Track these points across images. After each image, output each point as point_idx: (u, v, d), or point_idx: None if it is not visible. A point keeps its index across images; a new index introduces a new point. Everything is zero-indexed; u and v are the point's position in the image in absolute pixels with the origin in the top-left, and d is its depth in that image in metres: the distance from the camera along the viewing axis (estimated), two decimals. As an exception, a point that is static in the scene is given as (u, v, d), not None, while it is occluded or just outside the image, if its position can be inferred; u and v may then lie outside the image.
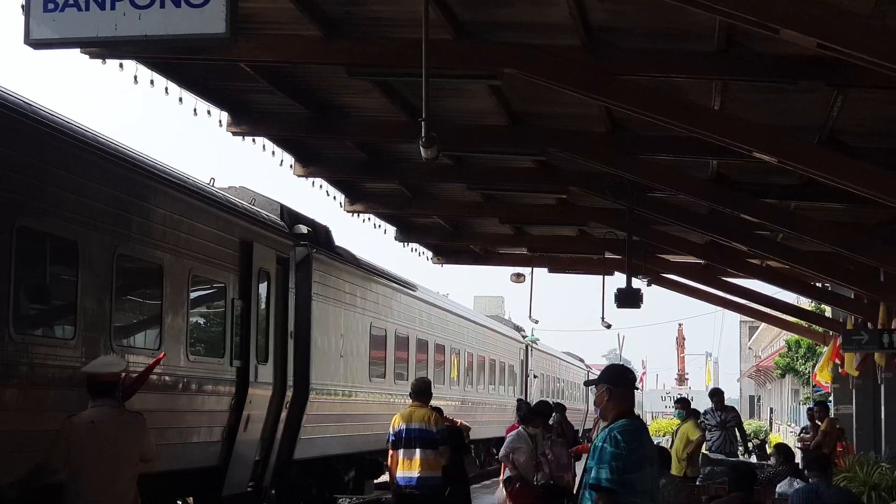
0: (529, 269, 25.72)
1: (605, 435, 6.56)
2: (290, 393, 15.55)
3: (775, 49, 10.07)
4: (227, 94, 13.77)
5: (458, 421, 13.95)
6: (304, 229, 16.75)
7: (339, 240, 18.68)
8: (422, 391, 13.17)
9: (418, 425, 12.83)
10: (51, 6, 6.24)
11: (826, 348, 27.78)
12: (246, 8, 9.58)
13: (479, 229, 22.56)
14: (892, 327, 17.60)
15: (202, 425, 13.00)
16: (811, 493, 8.95)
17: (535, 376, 37.36)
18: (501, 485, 14.79)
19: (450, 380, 26.13)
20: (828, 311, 29.88)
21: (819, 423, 21.06)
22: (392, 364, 21.17)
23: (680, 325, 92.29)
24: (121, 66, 11.67)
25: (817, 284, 23.03)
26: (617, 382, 6.74)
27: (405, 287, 22.51)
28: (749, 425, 40.44)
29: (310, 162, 16.69)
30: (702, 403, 23.62)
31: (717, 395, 20.17)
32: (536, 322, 28.86)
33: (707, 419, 18.96)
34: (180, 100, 13.12)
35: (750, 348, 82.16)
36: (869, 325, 19.97)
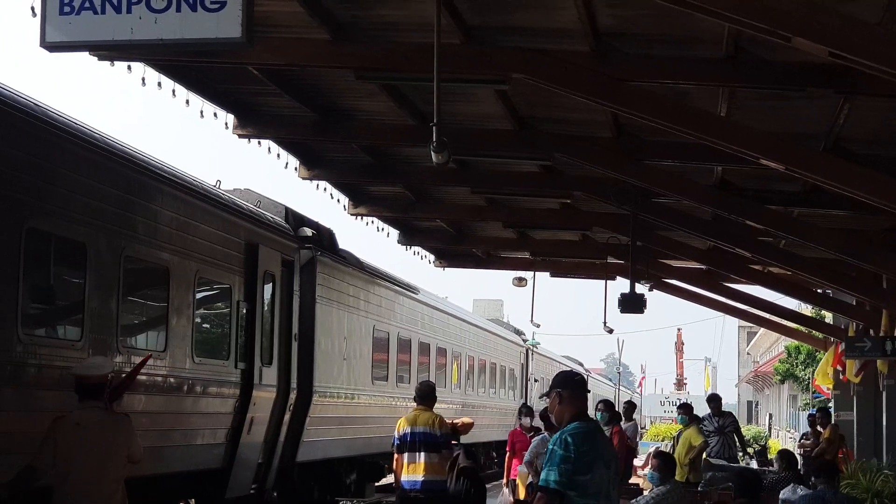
0: (531, 273, 25.72)
1: (556, 437, 6.67)
2: (293, 395, 15.57)
3: (783, 56, 10.10)
4: (235, 97, 13.80)
5: (459, 421, 13.91)
6: (308, 232, 16.78)
7: (339, 241, 18.70)
8: (426, 395, 13.15)
9: (422, 429, 12.82)
10: (66, 9, 6.25)
11: (825, 354, 27.81)
12: (255, 11, 9.58)
13: (482, 233, 22.58)
14: (895, 334, 17.60)
15: (206, 427, 13.02)
16: (818, 500, 8.96)
17: (535, 380, 37.35)
18: (505, 489, 14.79)
19: (451, 383, 26.14)
20: (828, 317, 29.91)
21: (820, 430, 21.07)
22: (394, 367, 21.19)
23: (679, 329, 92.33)
24: (129, 68, 11.68)
25: (819, 291, 23.04)
26: (565, 386, 6.84)
27: (407, 290, 22.54)
28: (748, 431, 40.44)
29: (315, 165, 16.71)
30: (700, 409, 23.62)
31: (714, 400, 20.17)
32: (538, 326, 28.87)
33: (705, 425, 18.97)
34: (187, 102, 13.13)
35: (748, 353, 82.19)
36: (871, 331, 19.98)
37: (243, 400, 13.79)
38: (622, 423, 18.73)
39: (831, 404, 27.95)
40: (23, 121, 9.39)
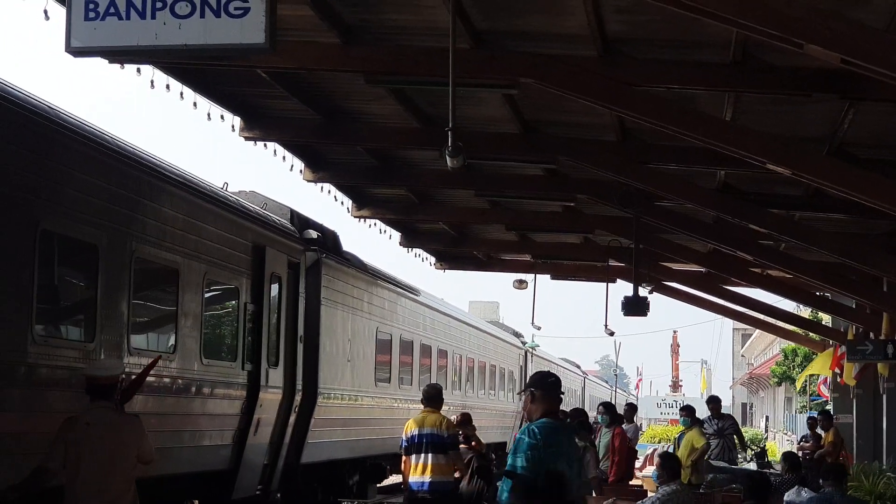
0: (532, 275, 25.80)
1: (524, 428, 7.05)
2: (298, 397, 15.64)
3: (790, 61, 10.19)
4: (241, 100, 13.88)
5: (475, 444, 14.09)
6: (313, 234, 16.86)
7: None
8: (432, 397, 13.24)
9: (429, 430, 12.91)
10: (91, 15, 6.31)
11: (819, 355, 27.91)
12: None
13: (484, 235, 22.68)
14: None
15: (214, 428, 13.08)
16: (826, 503, 9.03)
17: (534, 382, 37.32)
18: None
19: (451, 384, 26.21)
20: (825, 319, 30.02)
21: (820, 433, 21.14)
22: (397, 369, 21.26)
23: (675, 332, 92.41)
24: (138, 70, 11.73)
25: (818, 293, 23.15)
26: (538, 386, 7.29)
27: (409, 292, 22.62)
28: (745, 433, 40.54)
29: (319, 167, 16.80)
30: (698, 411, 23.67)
31: (713, 402, 20.21)
32: (539, 328, 28.94)
33: (704, 428, 19.04)
34: (195, 104, 13.22)
35: (743, 356, 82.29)
36: (871, 334, 20.08)
37: (250, 401, 13.87)
38: (623, 424, 18.81)
39: (830, 406, 28.06)
40: (35, 122, 9.46)
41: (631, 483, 17.03)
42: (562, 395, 7.60)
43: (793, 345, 38.34)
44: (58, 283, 10.06)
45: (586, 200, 17.50)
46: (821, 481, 10.77)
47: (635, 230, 16.86)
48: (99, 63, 11.08)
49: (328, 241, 17.62)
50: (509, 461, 6.99)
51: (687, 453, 16.71)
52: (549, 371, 8.69)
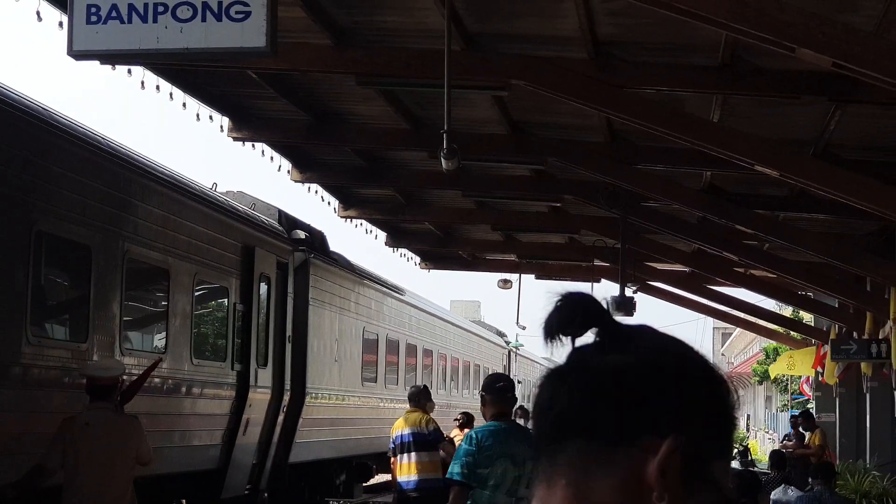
0: (517, 275, 25.87)
1: (466, 435, 7.58)
2: (287, 397, 15.68)
3: (778, 64, 10.28)
4: (230, 100, 13.89)
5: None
6: (301, 234, 16.90)
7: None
8: (412, 396, 13.57)
9: (411, 429, 13.08)
10: (94, 18, 6.32)
11: (797, 352, 28.07)
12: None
13: (469, 235, 22.73)
14: (880, 337, 17.84)
15: (204, 428, 13.12)
16: (815, 501, 9.13)
17: (518, 381, 37.46)
18: None
19: (437, 384, 26.27)
20: (806, 318, 30.17)
21: (802, 431, 21.25)
22: (383, 368, 21.31)
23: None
24: (129, 71, 11.73)
25: (800, 293, 23.29)
26: (488, 391, 7.68)
27: (395, 292, 22.67)
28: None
29: (307, 167, 16.81)
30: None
31: None
32: (524, 328, 29.03)
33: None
34: (184, 105, 13.23)
35: (723, 354, 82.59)
36: (855, 334, 20.21)
37: (239, 401, 13.91)
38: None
39: (812, 405, 28.22)
40: (29, 123, 9.47)
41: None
42: (513, 397, 7.88)
43: (774, 343, 38.49)
44: (52, 284, 10.08)
45: (572, 201, 17.58)
46: (810, 480, 10.87)
47: (622, 230, 16.94)
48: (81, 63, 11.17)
49: (316, 241, 17.66)
50: (450, 468, 7.42)
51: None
52: (500, 374, 9.02)
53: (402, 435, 13.11)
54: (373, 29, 10.90)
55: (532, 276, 25.97)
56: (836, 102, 11.02)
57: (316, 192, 18.32)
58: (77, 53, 6.45)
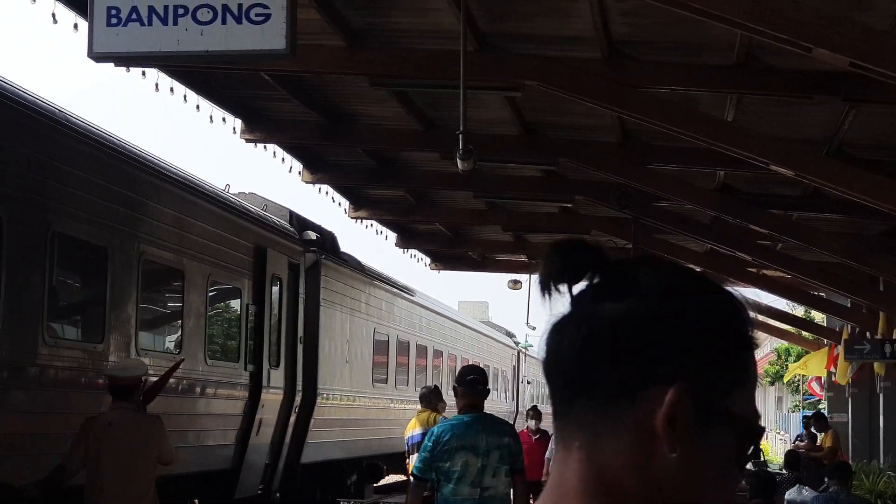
0: (527, 275, 25.88)
1: (430, 430, 7.72)
2: (298, 398, 15.70)
3: (793, 63, 10.26)
4: (243, 102, 13.91)
5: None
6: (312, 235, 16.92)
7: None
8: (423, 397, 13.60)
9: (421, 430, 13.11)
10: (114, 21, 6.32)
11: (813, 353, 28.00)
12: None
13: (479, 236, 22.73)
14: (893, 337, 17.80)
15: (218, 428, 13.14)
16: (831, 502, 9.11)
17: (528, 382, 37.49)
18: None
19: (447, 384, 26.25)
20: (817, 318, 30.10)
21: (815, 433, 21.21)
22: (394, 369, 21.32)
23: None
24: (143, 73, 11.76)
25: (813, 293, 23.26)
26: (459, 383, 7.79)
27: (405, 292, 22.68)
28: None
29: (318, 168, 16.83)
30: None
31: None
32: (534, 328, 29.03)
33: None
34: (197, 107, 13.26)
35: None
36: (868, 334, 20.16)
37: (252, 402, 13.92)
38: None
39: (823, 405, 28.16)
40: (45, 125, 9.49)
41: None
42: (484, 389, 7.91)
43: (786, 344, 38.45)
44: (68, 285, 10.10)
45: (583, 201, 17.57)
46: (826, 480, 10.85)
47: (633, 231, 16.92)
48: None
49: (326, 242, 17.68)
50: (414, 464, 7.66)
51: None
52: (472, 366, 9.08)
53: (413, 435, 13.13)
54: (386, 30, 10.91)
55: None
56: (850, 102, 11.00)
57: (326, 192, 18.35)
58: (97, 55, 6.46)
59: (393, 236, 22.29)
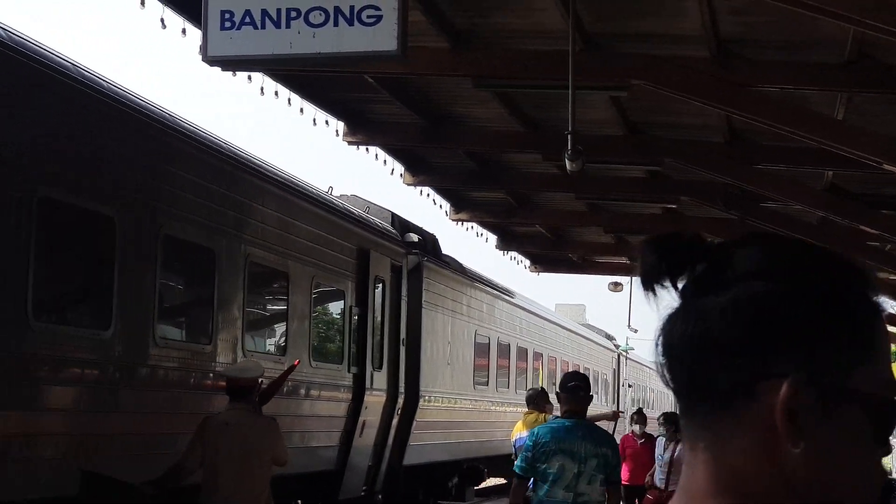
0: (628, 278, 25.65)
1: (531, 431, 8.14)
2: (401, 400, 15.73)
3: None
4: (345, 105, 13.97)
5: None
6: (414, 237, 16.95)
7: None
8: (530, 399, 13.63)
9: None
10: (227, 24, 6.37)
11: None
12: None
13: (580, 238, 22.58)
14: None
15: (322, 430, 13.22)
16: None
17: (629, 385, 37.17)
18: None
19: (547, 387, 26.13)
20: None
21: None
22: (495, 371, 21.27)
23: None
24: (249, 78, 11.89)
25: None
26: (561, 389, 8.10)
27: (505, 295, 22.62)
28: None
29: (419, 171, 16.85)
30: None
31: None
32: (636, 331, 28.79)
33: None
34: (301, 111, 13.35)
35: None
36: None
37: (355, 404, 13.98)
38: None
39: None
40: (156, 129, 9.62)
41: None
42: (586, 396, 8.06)
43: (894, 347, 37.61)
44: (177, 287, 10.23)
45: (688, 202, 17.34)
46: None
47: (740, 232, 16.64)
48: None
49: (428, 244, 17.70)
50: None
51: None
52: (574, 373, 9.20)
53: (521, 437, 13.07)
54: (490, 31, 10.86)
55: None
56: (968, 99, 10.68)
57: (428, 195, 18.37)
58: (212, 59, 6.51)
59: (493, 239, 22.26)
